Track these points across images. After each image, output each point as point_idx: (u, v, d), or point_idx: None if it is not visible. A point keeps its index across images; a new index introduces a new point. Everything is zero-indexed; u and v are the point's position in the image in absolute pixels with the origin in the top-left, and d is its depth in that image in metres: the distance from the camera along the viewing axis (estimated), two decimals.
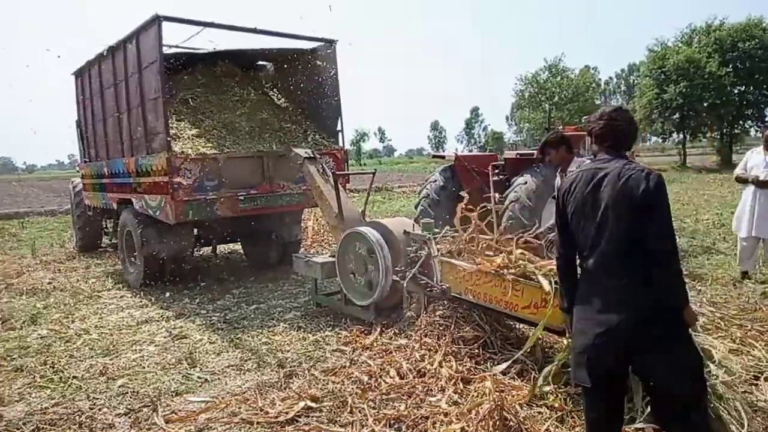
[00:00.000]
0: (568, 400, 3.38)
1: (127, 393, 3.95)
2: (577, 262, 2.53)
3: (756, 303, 5.40)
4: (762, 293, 5.74)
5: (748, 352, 4.12)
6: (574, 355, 2.47)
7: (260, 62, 8.85)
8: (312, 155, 6.39)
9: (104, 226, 10.47)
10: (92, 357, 4.76)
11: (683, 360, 2.29)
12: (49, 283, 7.70)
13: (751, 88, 32.40)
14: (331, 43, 7.56)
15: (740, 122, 34.00)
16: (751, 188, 6.21)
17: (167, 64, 7.09)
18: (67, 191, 11.56)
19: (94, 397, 3.91)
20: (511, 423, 2.93)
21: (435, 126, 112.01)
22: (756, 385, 3.59)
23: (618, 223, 2.29)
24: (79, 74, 8.70)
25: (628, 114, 2.56)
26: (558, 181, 4.73)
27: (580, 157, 8.37)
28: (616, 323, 2.27)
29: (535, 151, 7.75)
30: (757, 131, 34.83)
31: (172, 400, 3.80)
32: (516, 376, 3.75)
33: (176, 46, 7.82)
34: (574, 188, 2.45)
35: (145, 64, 6.49)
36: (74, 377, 4.29)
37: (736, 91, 32.48)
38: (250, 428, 3.31)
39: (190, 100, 7.46)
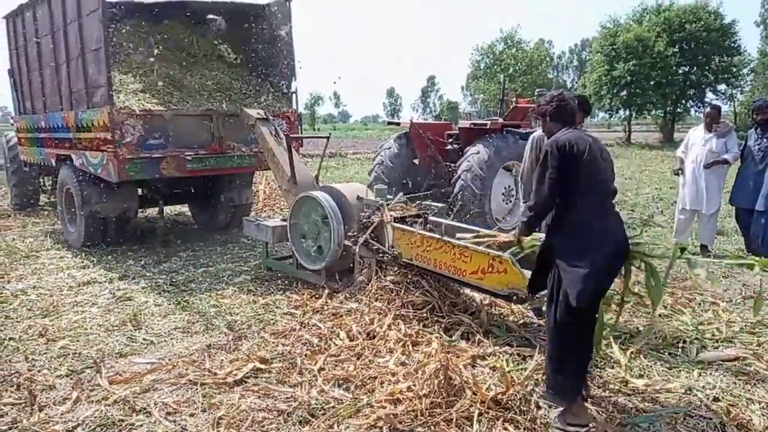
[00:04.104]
0: (509, 360, 3.53)
1: (69, 354, 3.84)
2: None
3: (686, 273, 5.74)
4: None
5: (677, 317, 4.41)
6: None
7: (210, 15, 8.45)
8: (264, 116, 6.23)
9: (42, 183, 9.98)
10: (30, 318, 4.58)
11: None
12: None
13: (695, 69, 33.65)
14: None
15: (683, 102, 35.37)
16: (690, 166, 6.52)
17: (110, 13, 6.70)
18: (0, 145, 10.86)
19: (33, 359, 3.78)
20: (455, 382, 3.03)
21: (391, 93, 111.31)
22: (682, 347, 3.85)
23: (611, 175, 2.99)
24: (11, 18, 8.08)
25: (569, 94, 3.19)
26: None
27: (531, 128, 8.56)
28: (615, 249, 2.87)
29: (488, 122, 7.86)
30: (697, 111, 36.47)
31: (116, 362, 3.73)
32: (461, 339, 3.87)
33: None
34: (585, 149, 2.83)
35: (86, 11, 6.09)
36: (11, 339, 4.12)
37: (680, 72, 33.65)
38: (197, 389, 3.29)
39: (134, 52, 7.09)
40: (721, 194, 6.44)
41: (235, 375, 3.43)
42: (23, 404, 3.15)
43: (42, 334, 4.20)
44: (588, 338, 2.91)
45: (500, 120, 8.29)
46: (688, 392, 3.23)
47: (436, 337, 3.76)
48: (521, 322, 4.23)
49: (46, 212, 9.72)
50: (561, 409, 2.89)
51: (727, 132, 6.34)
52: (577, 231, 2.81)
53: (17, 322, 4.50)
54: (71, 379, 3.48)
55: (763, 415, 2.99)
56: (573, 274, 2.74)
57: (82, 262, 6.39)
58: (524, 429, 2.81)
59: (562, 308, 2.80)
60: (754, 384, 3.35)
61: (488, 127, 7.54)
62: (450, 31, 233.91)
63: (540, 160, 2.96)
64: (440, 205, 5.45)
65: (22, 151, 9.10)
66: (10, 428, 2.92)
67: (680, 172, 6.67)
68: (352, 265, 4.90)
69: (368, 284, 4.53)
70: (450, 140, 8.15)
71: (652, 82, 32.12)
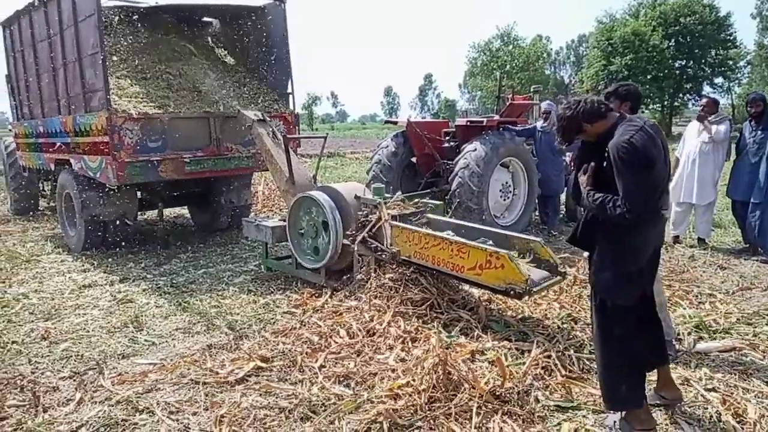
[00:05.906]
0: (507, 354, 3.56)
1: (71, 356, 3.88)
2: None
3: (684, 266, 5.78)
4: (690, 256, 6.14)
5: (675, 310, 4.44)
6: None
7: (206, 18, 8.49)
8: (262, 117, 6.26)
9: (41, 188, 10.00)
10: (33, 321, 4.61)
11: None
12: None
13: (691, 62, 33.75)
14: (280, 0, 7.33)
15: (680, 95, 35.45)
16: (684, 158, 6.55)
17: (106, 17, 6.73)
18: None
19: (36, 361, 3.82)
20: (454, 377, 3.07)
21: (388, 92, 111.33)
22: (680, 340, 3.89)
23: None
24: (7, 24, 8.11)
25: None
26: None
27: (528, 125, 8.56)
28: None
29: (485, 119, 7.88)
30: (694, 105, 36.51)
31: (119, 363, 3.76)
32: (460, 334, 3.90)
33: None
34: (659, 145, 2.56)
35: (81, 16, 6.12)
36: (13, 342, 4.16)
37: (677, 65, 33.75)
38: (198, 388, 3.32)
39: (131, 56, 7.11)
40: (715, 186, 6.46)
41: (237, 374, 3.46)
42: (27, 406, 3.19)
43: (44, 337, 4.24)
44: (636, 335, 2.75)
45: (496, 117, 8.31)
46: (685, 383, 3.27)
47: (435, 333, 3.79)
48: (519, 317, 4.26)
49: (45, 217, 9.74)
50: (618, 415, 2.78)
51: (720, 121, 6.34)
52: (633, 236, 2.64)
53: (20, 325, 4.53)
54: (74, 380, 3.51)
55: (758, 404, 3.02)
56: (618, 275, 2.66)
57: (83, 265, 6.42)
58: (522, 421, 2.85)
59: (603, 315, 2.73)
60: (750, 374, 3.38)
61: (485, 124, 7.56)
62: (447, 29, 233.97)
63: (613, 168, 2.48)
64: (438, 202, 5.48)
65: (20, 156, 9.13)
66: (15, 429, 2.96)
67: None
68: (351, 263, 4.93)
69: (367, 282, 4.56)
70: (447, 138, 8.17)
71: (648, 76, 32.21)
